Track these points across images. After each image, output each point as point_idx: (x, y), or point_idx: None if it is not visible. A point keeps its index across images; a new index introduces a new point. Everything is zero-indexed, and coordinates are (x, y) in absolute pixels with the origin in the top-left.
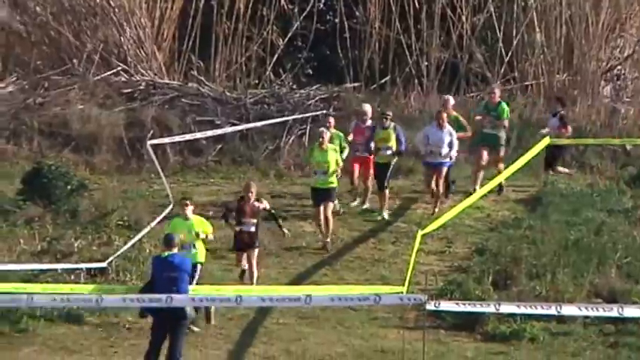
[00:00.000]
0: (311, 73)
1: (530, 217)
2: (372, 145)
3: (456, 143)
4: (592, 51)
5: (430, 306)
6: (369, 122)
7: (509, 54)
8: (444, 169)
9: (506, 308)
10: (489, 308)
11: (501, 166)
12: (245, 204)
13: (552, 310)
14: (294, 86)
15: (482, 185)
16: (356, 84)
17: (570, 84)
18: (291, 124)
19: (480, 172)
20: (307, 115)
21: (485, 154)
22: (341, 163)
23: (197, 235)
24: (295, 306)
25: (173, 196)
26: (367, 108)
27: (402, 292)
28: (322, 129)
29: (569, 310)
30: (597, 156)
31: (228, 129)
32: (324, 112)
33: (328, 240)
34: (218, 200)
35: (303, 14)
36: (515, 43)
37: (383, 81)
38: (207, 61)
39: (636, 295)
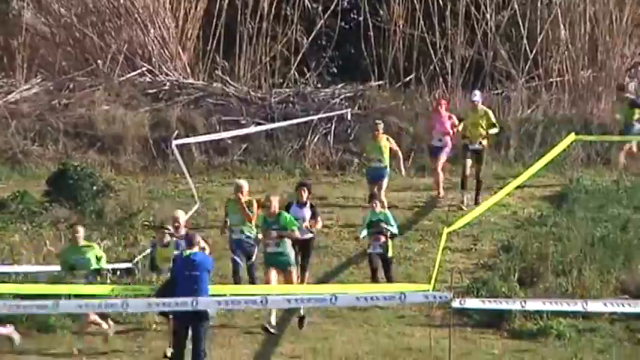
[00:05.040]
0: (335, 71)
1: (556, 213)
2: None
3: None
4: (616, 47)
5: (456, 304)
6: (182, 231)
7: (534, 51)
8: None
9: (533, 305)
10: (515, 305)
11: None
12: None
13: (579, 307)
14: (319, 85)
15: None
16: (380, 82)
17: (595, 80)
18: (316, 123)
19: None
20: (332, 113)
21: (272, 276)
22: None
23: None
24: (321, 306)
25: (199, 195)
26: (179, 214)
27: (428, 290)
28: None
29: (595, 306)
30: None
31: (253, 128)
32: (349, 110)
33: None
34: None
35: (327, 13)
36: (539, 39)
37: (407, 79)
38: (232, 60)
39: None
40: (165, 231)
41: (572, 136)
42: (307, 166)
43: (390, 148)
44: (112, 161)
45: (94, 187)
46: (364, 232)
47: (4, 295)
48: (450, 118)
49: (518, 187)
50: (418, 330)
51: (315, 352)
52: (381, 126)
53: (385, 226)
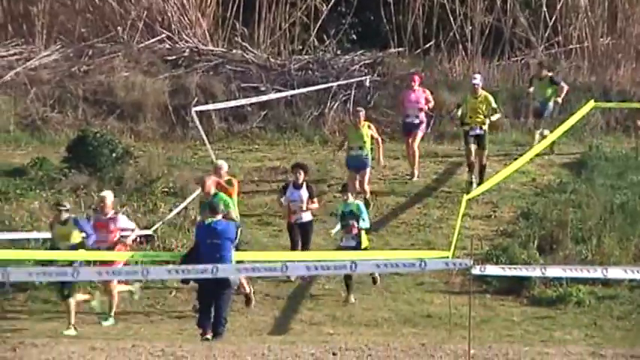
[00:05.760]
0: (355, 38)
1: (576, 181)
2: None
3: None
4: (636, 14)
5: (476, 271)
6: (110, 213)
7: (553, 18)
8: None
9: (552, 272)
10: (535, 272)
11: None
12: None
13: (598, 274)
14: (338, 52)
15: None
16: (400, 49)
17: (614, 47)
18: (335, 90)
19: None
20: (351, 80)
21: None
22: None
23: None
24: (341, 273)
25: None
26: (106, 194)
27: (447, 257)
28: None
29: (615, 273)
30: None
31: (273, 95)
32: (368, 77)
33: None
34: (263, 167)
35: None
36: (558, 6)
37: (427, 46)
38: (251, 27)
39: None
40: (61, 208)
41: (591, 103)
42: (326, 133)
43: (372, 137)
44: (132, 128)
45: (114, 154)
46: (337, 227)
47: (24, 262)
48: (424, 92)
49: (538, 154)
50: (437, 297)
51: (335, 319)
52: (362, 114)
53: (355, 224)
